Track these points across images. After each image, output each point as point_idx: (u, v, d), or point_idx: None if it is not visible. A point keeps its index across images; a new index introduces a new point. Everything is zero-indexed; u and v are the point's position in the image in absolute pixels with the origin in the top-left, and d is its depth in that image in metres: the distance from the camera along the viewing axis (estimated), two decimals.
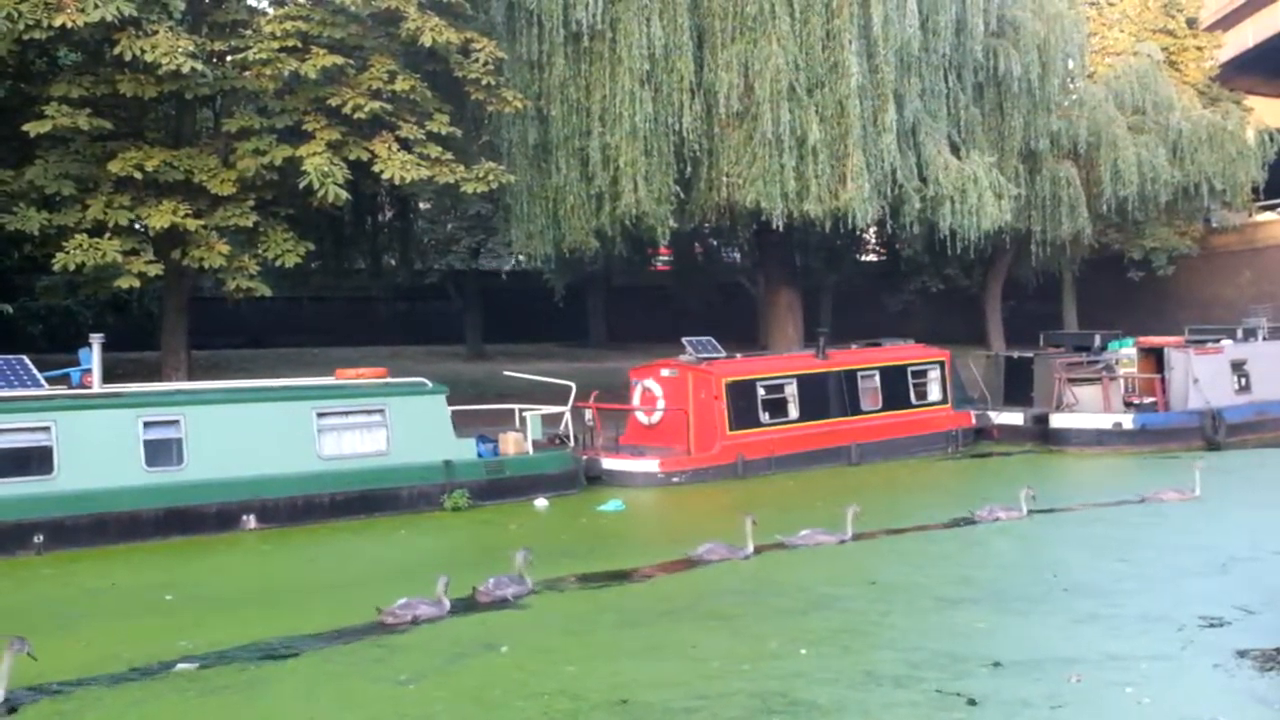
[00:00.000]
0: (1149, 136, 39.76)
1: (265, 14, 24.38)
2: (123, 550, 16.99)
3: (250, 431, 19.04)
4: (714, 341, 26.36)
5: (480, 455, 21.30)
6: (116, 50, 21.31)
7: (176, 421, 18.49)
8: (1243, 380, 29.74)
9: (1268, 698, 9.28)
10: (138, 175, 22.29)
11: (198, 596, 14.07)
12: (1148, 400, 28.67)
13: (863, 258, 50.56)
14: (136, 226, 23.22)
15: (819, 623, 11.85)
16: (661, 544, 16.92)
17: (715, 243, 46.26)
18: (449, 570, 13.13)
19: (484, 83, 24.58)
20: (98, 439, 17.75)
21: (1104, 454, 26.57)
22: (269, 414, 19.57)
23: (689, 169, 28.98)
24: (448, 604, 12.61)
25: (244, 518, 18.48)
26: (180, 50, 21.15)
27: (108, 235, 22.09)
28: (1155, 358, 29.19)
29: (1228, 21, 53.02)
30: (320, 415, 19.82)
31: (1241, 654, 10.29)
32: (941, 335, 36.00)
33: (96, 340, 19.11)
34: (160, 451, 18.23)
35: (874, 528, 16.99)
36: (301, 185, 22.69)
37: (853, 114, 28.31)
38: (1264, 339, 31.59)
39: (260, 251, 23.88)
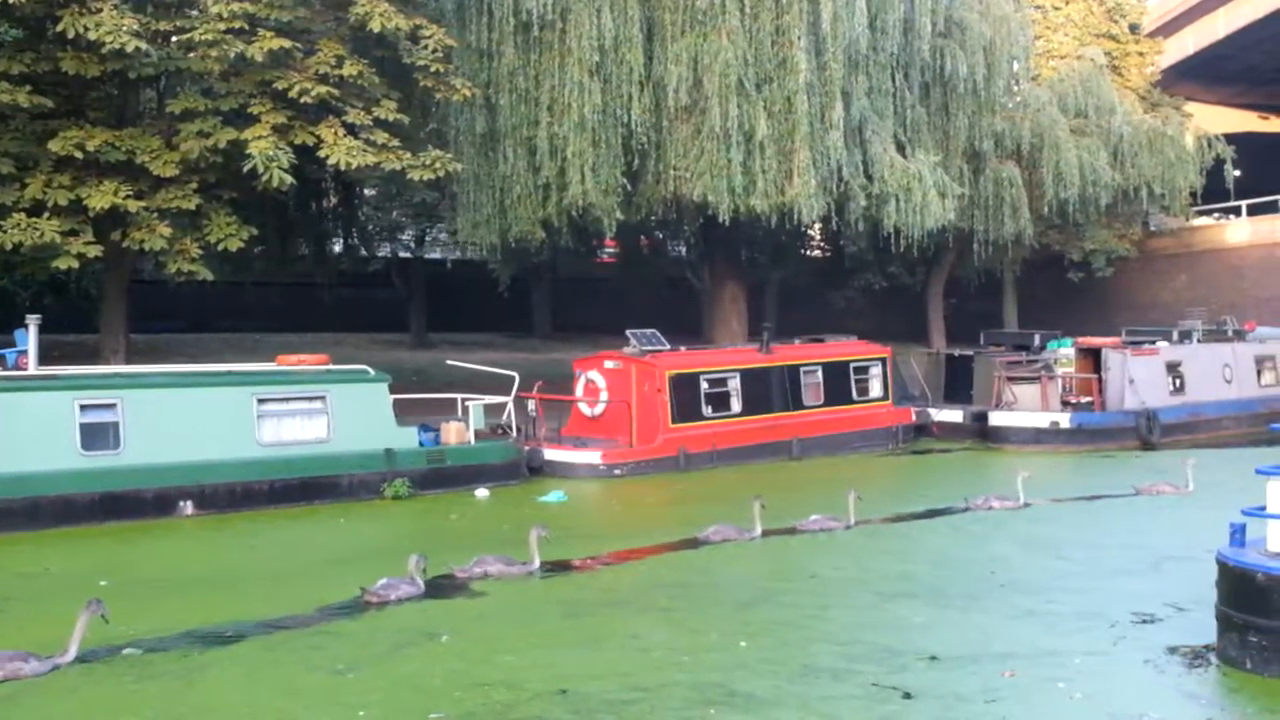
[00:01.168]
0: (1091, 140, 40.22)
1: None
2: (57, 535, 16.78)
3: (189, 416, 18.86)
4: (658, 334, 26.40)
5: (422, 444, 21.24)
6: (59, 27, 20.99)
7: (114, 405, 18.28)
8: (1177, 382, 30.24)
9: (1196, 693, 9.46)
10: (79, 155, 21.96)
11: (134, 582, 13.91)
12: (1085, 400, 29.08)
13: (807, 254, 50.74)
14: (76, 206, 22.85)
15: (759, 615, 11.93)
16: (603, 535, 16.96)
17: (661, 236, 46.24)
18: (388, 560, 13.10)
19: (432, 70, 24.43)
20: (32, 421, 17.51)
21: (1041, 452, 26.90)
22: (208, 399, 19.40)
23: (637, 161, 28.97)
24: (422, 583, 12.71)
25: (181, 503, 18.32)
26: (124, 29, 20.87)
27: (47, 215, 21.73)
28: (1093, 358, 29.60)
29: (1169, 28, 53.72)
30: (260, 401, 19.68)
31: (1172, 650, 10.48)
32: (884, 332, 36.28)
33: (33, 321, 18.86)
34: (97, 435, 18.03)
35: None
36: (246, 169, 22.45)
37: (800, 110, 28.42)
38: (1199, 341, 32.16)
39: (202, 235, 23.61)
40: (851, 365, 28.17)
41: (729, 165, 28.08)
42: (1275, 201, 48.39)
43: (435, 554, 13.96)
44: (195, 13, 23.30)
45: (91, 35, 20.81)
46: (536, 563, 14.02)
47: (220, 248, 23.68)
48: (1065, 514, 18.76)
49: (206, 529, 17.68)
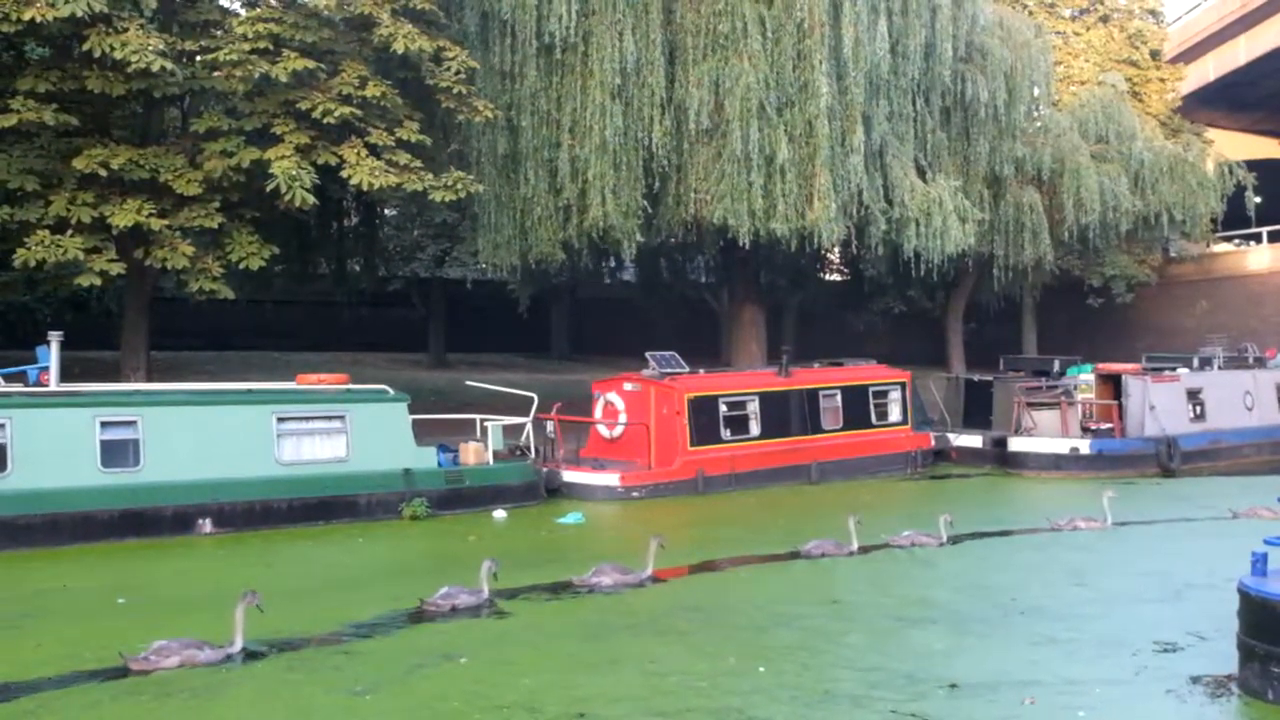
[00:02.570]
0: (1111, 165, 40.15)
1: (237, 15, 24.26)
2: (76, 551, 16.84)
3: (208, 434, 18.92)
4: (677, 356, 26.35)
5: (440, 464, 21.25)
6: (86, 46, 21.15)
7: (134, 422, 18.35)
8: (1198, 409, 30.07)
9: None
10: (103, 173, 22.10)
11: (151, 600, 13.93)
12: (1105, 426, 28.93)
13: (827, 277, 50.77)
14: (100, 224, 22.98)
15: (778, 640, 11.87)
16: (621, 558, 16.89)
17: (681, 258, 46.33)
18: (407, 579, 13.09)
19: (455, 91, 24.53)
20: (53, 438, 17.59)
21: (1061, 478, 26.76)
22: (228, 417, 19.44)
23: (657, 184, 28.99)
24: (487, 591, 12.80)
25: (200, 521, 18.36)
26: (150, 48, 21.02)
27: (70, 232, 21.90)
28: (1113, 384, 29.46)
29: (1190, 55, 53.77)
30: (280, 420, 19.73)
31: (1194, 680, 10.39)
32: (903, 356, 36.22)
33: (55, 338, 18.94)
34: (117, 452, 18.09)
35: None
36: (268, 188, 22.57)
37: (821, 134, 28.41)
38: (1219, 368, 31.99)
39: (224, 253, 23.72)
40: (870, 389, 28.11)
41: (749, 188, 28.07)
42: None
43: (451, 576, 13.94)
44: (220, 33, 23.47)
45: (117, 54, 20.96)
46: (649, 570, 14.47)
47: (242, 266, 23.80)
48: (1156, 535, 18.78)
49: (225, 547, 17.71)
